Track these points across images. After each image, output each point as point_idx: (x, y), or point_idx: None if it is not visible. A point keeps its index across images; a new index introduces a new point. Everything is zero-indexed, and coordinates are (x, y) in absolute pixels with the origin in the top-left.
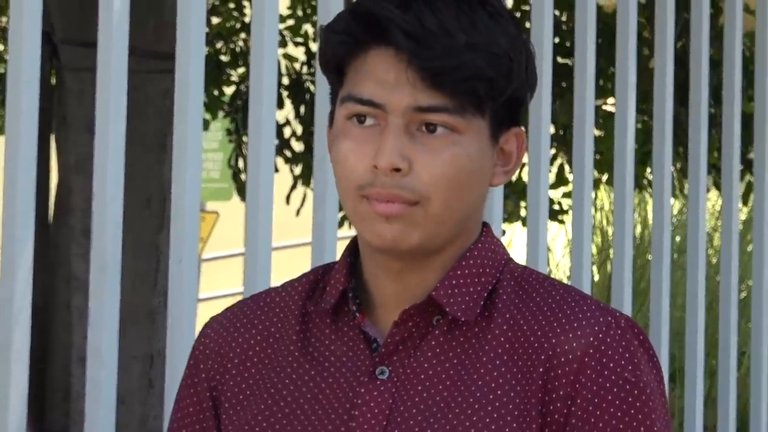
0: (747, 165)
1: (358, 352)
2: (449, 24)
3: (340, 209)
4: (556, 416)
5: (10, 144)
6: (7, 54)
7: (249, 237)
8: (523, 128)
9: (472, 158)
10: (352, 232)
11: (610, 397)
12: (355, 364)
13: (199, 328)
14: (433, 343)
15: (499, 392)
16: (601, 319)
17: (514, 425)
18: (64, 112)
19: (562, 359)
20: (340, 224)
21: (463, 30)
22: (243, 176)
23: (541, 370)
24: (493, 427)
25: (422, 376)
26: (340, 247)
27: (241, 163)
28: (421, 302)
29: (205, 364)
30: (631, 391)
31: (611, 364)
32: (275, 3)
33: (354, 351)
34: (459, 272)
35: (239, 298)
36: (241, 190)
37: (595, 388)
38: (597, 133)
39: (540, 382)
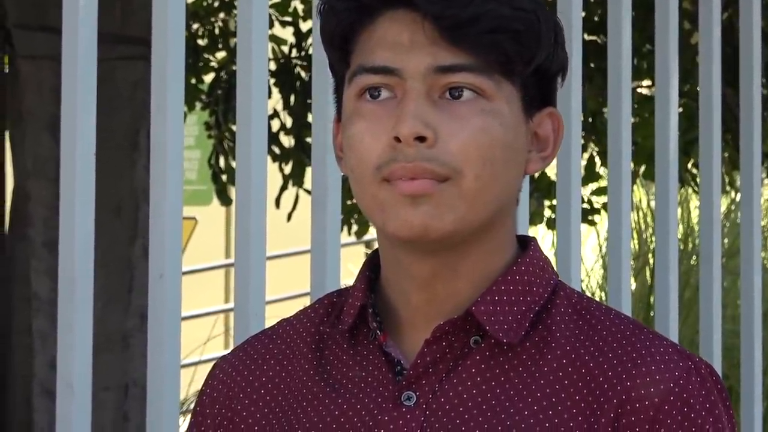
0: None
1: (379, 376)
2: None
3: (343, 212)
4: None
5: None
6: None
7: (239, 247)
8: (556, 110)
9: (505, 129)
10: (351, 239)
11: None
12: (377, 389)
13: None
14: (471, 367)
15: (555, 431)
16: (681, 364)
17: None
18: (19, 106)
19: (637, 405)
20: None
21: None
22: (225, 177)
23: (611, 415)
24: None
25: (458, 403)
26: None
27: (222, 162)
28: (458, 318)
29: (212, 409)
30: None
31: (692, 415)
32: None
33: (374, 375)
34: (503, 287)
35: (221, 316)
36: (222, 193)
37: None
38: (631, 119)
39: (610, 429)
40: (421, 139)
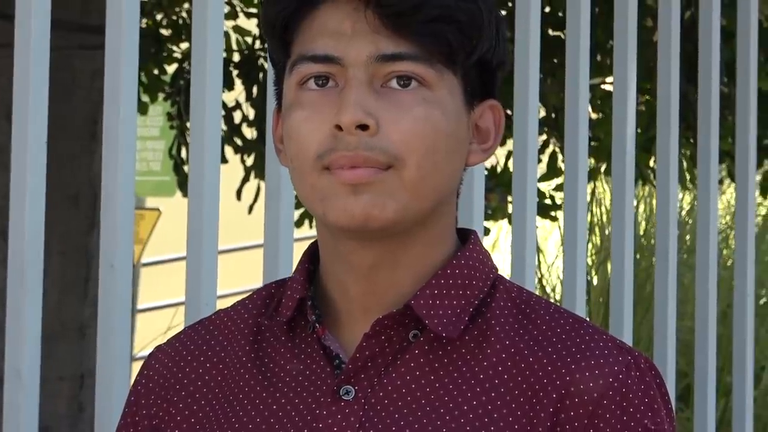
0: (764, 151)
1: (318, 369)
2: None
3: (298, 205)
4: None
5: None
6: None
7: (191, 238)
8: (497, 102)
9: (448, 118)
10: (312, 233)
11: None
12: (315, 383)
13: (136, 342)
14: (410, 361)
15: (493, 427)
16: (620, 359)
17: None
18: None
19: (576, 399)
20: (298, 224)
21: None
22: (186, 168)
23: (551, 409)
24: None
25: (396, 397)
26: (297, 250)
27: (184, 153)
28: (397, 312)
29: (147, 399)
30: None
31: (631, 409)
32: None
33: (313, 369)
34: (443, 281)
35: (182, 309)
36: (185, 184)
37: None
38: (594, 116)
39: (549, 423)
40: (363, 127)
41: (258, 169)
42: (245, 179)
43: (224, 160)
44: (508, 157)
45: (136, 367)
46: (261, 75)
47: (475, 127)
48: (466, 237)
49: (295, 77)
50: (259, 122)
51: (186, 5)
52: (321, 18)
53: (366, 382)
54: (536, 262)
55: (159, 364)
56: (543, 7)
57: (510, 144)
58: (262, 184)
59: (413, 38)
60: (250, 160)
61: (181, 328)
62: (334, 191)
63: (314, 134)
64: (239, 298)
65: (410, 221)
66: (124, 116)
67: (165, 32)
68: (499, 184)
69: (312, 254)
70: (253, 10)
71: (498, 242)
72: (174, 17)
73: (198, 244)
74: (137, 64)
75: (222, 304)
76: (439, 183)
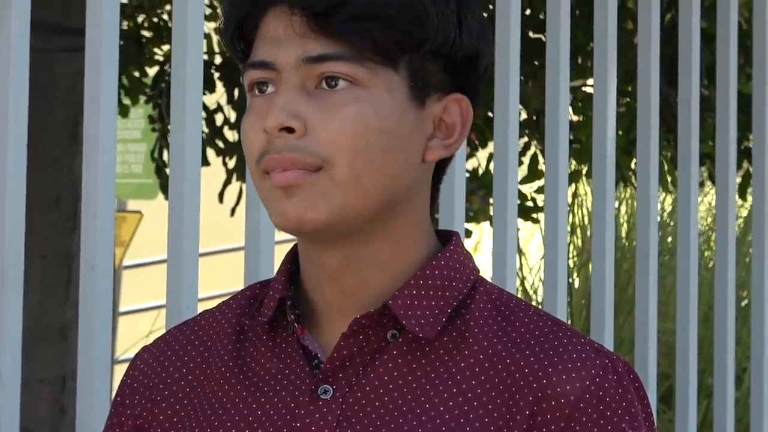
0: (744, 154)
1: (297, 369)
2: None
3: None
4: None
5: None
6: None
7: (172, 241)
8: (465, 96)
9: (382, 116)
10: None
11: None
12: (294, 382)
13: (118, 345)
14: (388, 361)
15: (469, 428)
16: (597, 362)
17: None
18: None
19: (553, 402)
20: None
21: None
22: (168, 170)
23: (527, 412)
24: None
25: (374, 398)
26: (279, 253)
27: (166, 156)
28: (375, 311)
29: (132, 400)
30: None
31: (608, 413)
32: None
33: (292, 368)
34: (422, 282)
35: (164, 311)
36: (166, 186)
37: None
38: (575, 118)
39: (524, 426)
40: (289, 130)
41: (240, 172)
42: (227, 182)
43: (206, 163)
44: (489, 160)
45: (118, 369)
46: (242, 78)
47: (441, 121)
48: (448, 239)
49: (246, 83)
50: (240, 125)
51: (167, 7)
52: (265, 25)
53: (344, 382)
54: (518, 264)
55: (144, 364)
56: (523, 10)
57: (491, 146)
58: (244, 187)
59: (338, 38)
60: (231, 163)
61: (162, 331)
62: (273, 195)
63: (254, 139)
64: (220, 300)
65: (354, 221)
66: (104, 118)
67: (146, 34)
68: (481, 186)
69: (294, 255)
70: None
71: (480, 244)
72: (155, 19)
73: (179, 247)
74: (117, 66)
75: (203, 307)
76: (381, 182)
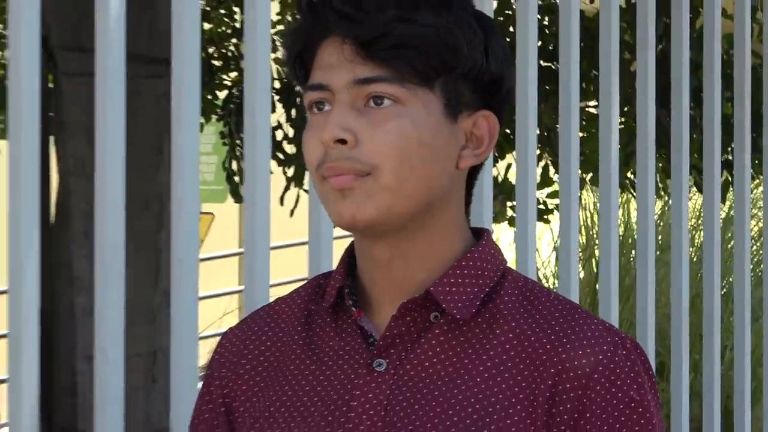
0: (725, 166)
1: (355, 346)
2: (385, 3)
3: None
4: (563, 427)
5: (13, 148)
6: (5, 59)
7: (247, 237)
8: (492, 113)
9: (420, 129)
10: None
11: (616, 414)
12: (353, 357)
13: (200, 325)
14: (432, 339)
15: (501, 396)
16: (609, 339)
17: (521, 426)
18: (61, 116)
19: (571, 374)
20: None
21: (398, 6)
22: (237, 178)
23: (549, 382)
24: (494, 426)
25: (421, 369)
26: (337, 247)
27: (234, 166)
28: (419, 297)
29: (219, 372)
30: (636, 410)
31: (618, 383)
32: (267, 8)
33: (351, 345)
34: (458, 271)
35: (235, 296)
36: (235, 192)
37: (603, 404)
38: (580, 134)
39: (548, 394)
40: (342, 141)
41: (297, 179)
42: (287, 188)
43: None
44: (507, 169)
45: (200, 345)
46: (298, 99)
47: (471, 135)
48: (481, 235)
49: (306, 103)
50: (297, 140)
51: (234, 40)
52: (320, 54)
53: (395, 356)
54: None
55: (229, 343)
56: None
57: (509, 158)
58: (301, 192)
59: (383, 63)
60: (290, 172)
61: (234, 314)
62: (330, 196)
63: (314, 149)
64: (285, 287)
65: (399, 219)
66: (188, 135)
67: (216, 63)
68: (500, 192)
69: (351, 250)
70: None
71: (498, 242)
72: (223, 50)
73: (253, 243)
74: (199, 89)
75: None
76: (421, 186)
